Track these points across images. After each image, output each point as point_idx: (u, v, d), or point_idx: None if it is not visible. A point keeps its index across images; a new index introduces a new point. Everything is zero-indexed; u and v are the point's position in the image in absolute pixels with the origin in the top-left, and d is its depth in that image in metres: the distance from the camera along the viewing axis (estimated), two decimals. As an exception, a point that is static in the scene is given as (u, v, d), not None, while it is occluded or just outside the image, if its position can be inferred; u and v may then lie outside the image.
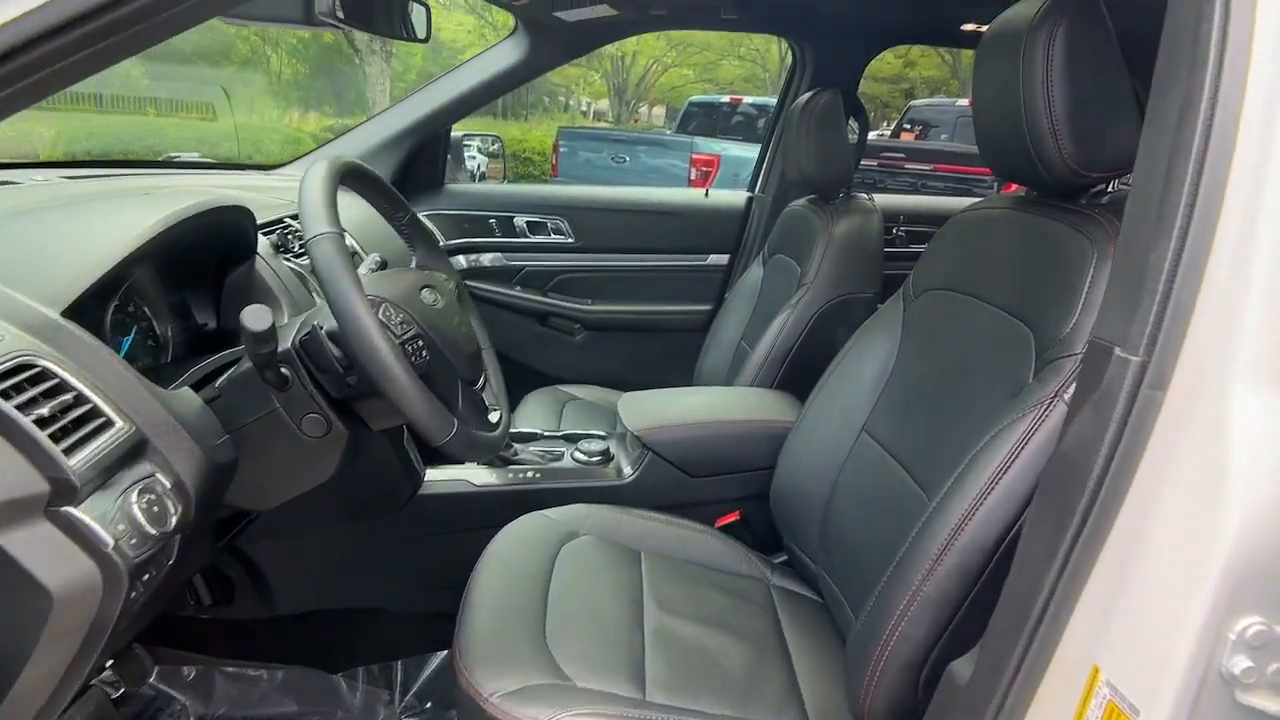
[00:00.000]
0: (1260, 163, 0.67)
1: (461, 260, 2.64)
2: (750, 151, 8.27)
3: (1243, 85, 0.68)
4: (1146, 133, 0.77)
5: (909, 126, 8.32)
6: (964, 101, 8.66)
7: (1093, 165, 1.01)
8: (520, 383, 2.44)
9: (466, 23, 17.94)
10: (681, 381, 2.76)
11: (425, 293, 1.20)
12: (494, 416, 1.30)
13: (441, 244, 2.52)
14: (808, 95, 2.14)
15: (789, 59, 2.72)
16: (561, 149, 8.43)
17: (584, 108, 24.80)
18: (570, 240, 2.75)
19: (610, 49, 20.04)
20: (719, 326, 2.48)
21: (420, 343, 1.11)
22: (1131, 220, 0.78)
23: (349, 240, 1.79)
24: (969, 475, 0.98)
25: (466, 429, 1.09)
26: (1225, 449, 0.64)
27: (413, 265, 1.39)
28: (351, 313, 0.96)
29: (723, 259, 2.82)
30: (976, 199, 1.51)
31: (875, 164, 7.56)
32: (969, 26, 2.37)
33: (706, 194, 2.86)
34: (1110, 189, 1.14)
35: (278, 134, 10.62)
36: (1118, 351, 0.73)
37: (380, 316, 1.06)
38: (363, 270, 1.36)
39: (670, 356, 2.75)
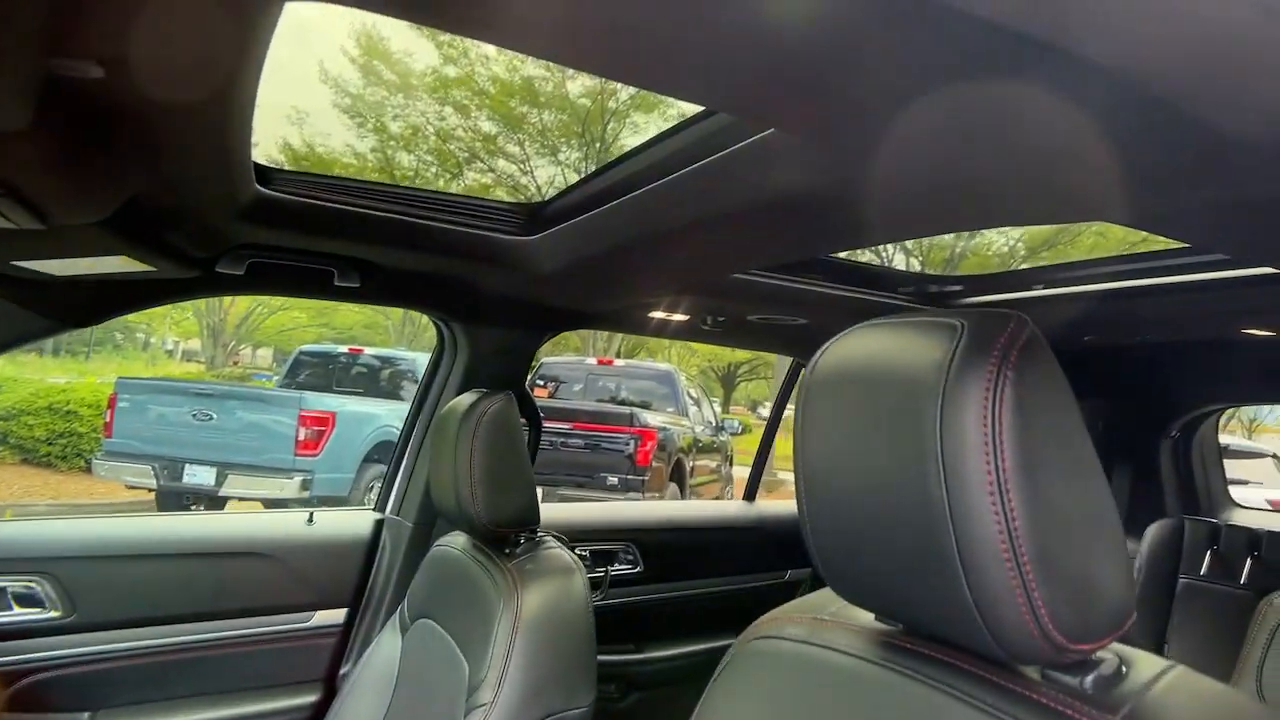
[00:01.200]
0: None
1: None
2: (373, 407, 7.57)
3: None
4: None
5: (542, 383, 8.27)
6: (592, 360, 8.95)
7: (1088, 629, 0.59)
8: None
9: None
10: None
11: None
12: None
13: None
14: (471, 399, 1.47)
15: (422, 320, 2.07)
16: (121, 403, 6.64)
17: (169, 347, 21.83)
18: (53, 615, 1.61)
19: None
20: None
21: None
22: None
23: None
24: None
25: None
26: None
27: None
28: None
29: (336, 617, 1.89)
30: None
31: (511, 422, 7.17)
32: (657, 314, 1.96)
33: (311, 518, 1.95)
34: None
35: None
36: None
37: None
38: None
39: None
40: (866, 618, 0.79)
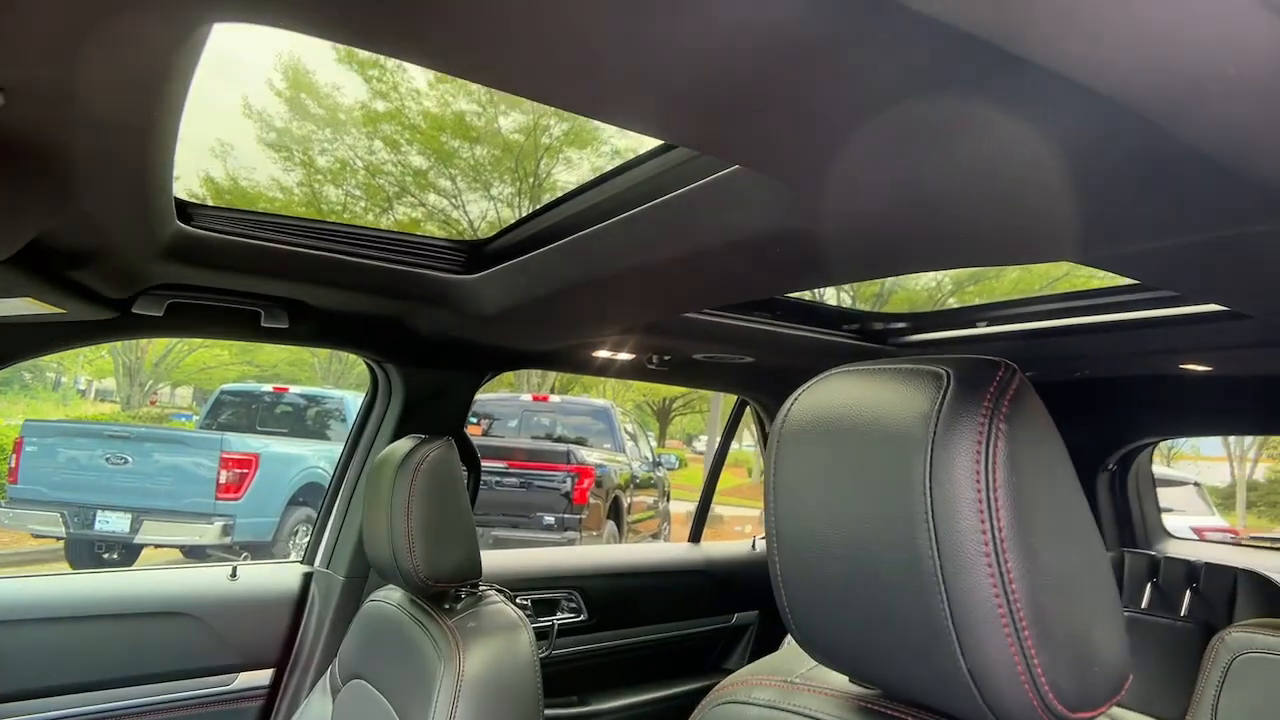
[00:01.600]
0: None
1: None
2: (299, 448, 7.27)
3: None
4: None
5: (475, 420, 8.10)
6: (528, 396, 8.82)
7: (1087, 696, 0.56)
8: None
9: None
10: None
11: None
12: None
13: None
14: (407, 446, 1.39)
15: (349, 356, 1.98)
16: (28, 447, 6.25)
17: (82, 386, 20.68)
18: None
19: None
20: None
21: None
22: None
23: None
24: None
25: None
26: None
27: None
28: None
29: (261, 679, 1.76)
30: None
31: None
32: (601, 354, 1.91)
33: (234, 573, 1.82)
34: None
35: None
36: None
37: None
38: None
39: None
40: (840, 680, 0.74)
